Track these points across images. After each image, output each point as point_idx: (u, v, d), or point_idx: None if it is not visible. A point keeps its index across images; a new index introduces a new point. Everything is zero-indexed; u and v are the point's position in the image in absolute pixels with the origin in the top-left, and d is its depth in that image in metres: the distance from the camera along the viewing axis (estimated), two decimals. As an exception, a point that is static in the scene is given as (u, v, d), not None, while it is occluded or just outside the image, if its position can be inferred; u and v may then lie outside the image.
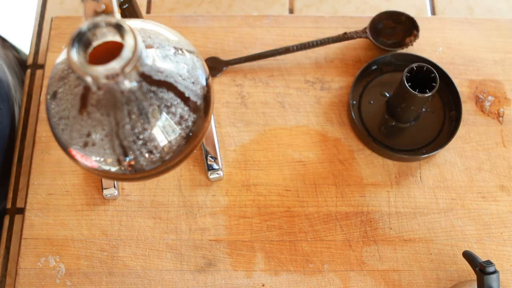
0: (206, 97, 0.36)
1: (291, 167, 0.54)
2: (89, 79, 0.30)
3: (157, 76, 0.33)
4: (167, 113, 0.34)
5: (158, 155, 0.34)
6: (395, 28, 0.59)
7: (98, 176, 0.44)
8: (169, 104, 0.34)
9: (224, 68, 0.58)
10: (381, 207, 0.53)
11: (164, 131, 0.34)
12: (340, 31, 0.59)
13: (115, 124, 0.32)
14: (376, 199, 0.53)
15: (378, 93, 0.57)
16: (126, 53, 0.29)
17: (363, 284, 0.50)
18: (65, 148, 0.35)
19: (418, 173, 0.54)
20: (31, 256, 0.51)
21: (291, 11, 0.66)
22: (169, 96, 0.34)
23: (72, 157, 0.35)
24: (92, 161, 0.34)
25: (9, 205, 0.56)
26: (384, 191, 0.53)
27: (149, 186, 0.54)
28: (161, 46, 0.34)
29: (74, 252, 0.51)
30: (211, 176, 0.52)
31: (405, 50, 0.58)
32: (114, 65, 0.29)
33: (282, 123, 0.56)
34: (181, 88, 0.34)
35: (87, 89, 0.32)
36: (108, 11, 0.31)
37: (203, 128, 0.36)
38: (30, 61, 0.63)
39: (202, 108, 0.36)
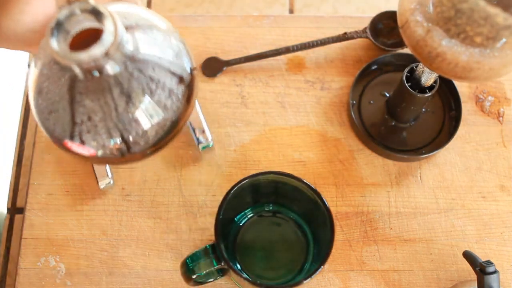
0: (190, 70, 0.36)
1: (291, 167, 0.54)
2: (75, 68, 0.30)
3: (141, 57, 0.33)
4: (157, 89, 0.34)
5: (153, 132, 0.34)
6: (395, 28, 0.59)
7: (97, 164, 0.44)
8: (157, 81, 0.34)
9: (224, 68, 0.58)
10: (381, 207, 0.53)
11: (156, 108, 0.34)
12: (340, 31, 0.59)
13: (106, 108, 0.33)
14: (376, 199, 0.53)
15: (378, 93, 0.57)
16: (107, 37, 0.29)
17: (363, 284, 0.50)
18: (59, 142, 0.35)
19: (418, 173, 0.54)
20: (31, 256, 0.51)
21: (291, 11, 0.66)
22: (156, 74, 0.34)
23: (68, 149, 0.35)
24: (90, 149, 0.34)
25: (9, 205, 0.56)
26: (384, 191, 0.53)
27: (149, 186, 0.54)
28: (141, 28, 0.34)
29: (74, 252, 0.51)
30: (201, 148, 0.52)
31: (405, 50, 0.58)
32: (96, 51, 0.29)
33: (282, 123, 0.56)
34: (165, 64, 0.34)
35: (73, 78, 0.32)
36: None
37: (190, 103, 0.37)
38: (30, 61, 0.63)
39: (188, 80, 0.36)
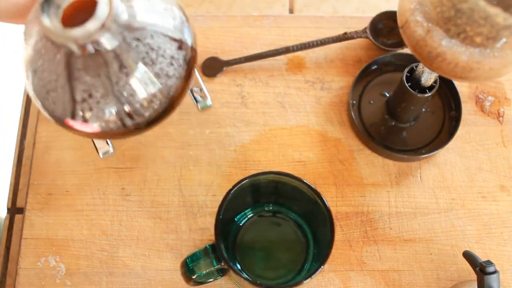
0: (191, 36, 0.36)
1: (291, 167, 0.54)
2: (70, 45, 0.29)
3: (138, 25, 0.32)
4: (158, 58, 0.33)
5: (157, 101, 0.34)
6: (395, 28, 0.59)
7: (100, 139, 0.43)
8: (158, 48, 0.32)
9: (224, 68, 0.58)
10: (381, 207, 0.53)
11: (158, 76, 0.33)
12: (340, 31, 0.59)
13: (108, 83, 0.31)
14: (376, 199, 0.53)
15: (378, 93, 0.57)
16: (102, 9, 0.28)
17: (363, 284, 0.50)
18: (61, 121, 0.34)
19: (418, 173, 0.54)
20: (31, 256, 0.51)
21: (291, 11, 0.66)
22: (155, 41, 0.32)
23: (70, 128, 0.34)
24: (93, 126, 0.33)
25: (9, 205, 0.56)
26: (384, 191, 0.53)
27: (149, 186, 0.54)
28: None
29: (74, 252, 0.51)
30: (200, 107, 0.50)
31: (405, 50, 0.58)
32: (91, 26, 0.28)
33: (282, 123, 0.56)
34: (165, 31, 0.33)
35: (69, 54, 0.30)
36: None
37: (193, 67, 0.36)
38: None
39: (189, 45, 0.35)
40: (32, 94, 0.35)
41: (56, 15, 0.29)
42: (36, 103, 0.35)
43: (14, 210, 0.56)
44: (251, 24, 0.61)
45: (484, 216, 0.53)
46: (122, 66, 0.31)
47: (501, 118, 0.57)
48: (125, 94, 0.32)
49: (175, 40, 0.34)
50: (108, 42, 0.30)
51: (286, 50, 0.57)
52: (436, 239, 0.52)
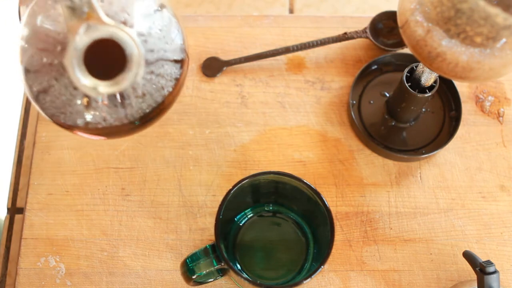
0: (186, 45, 0.36)
1: (291, 167, 0.54)
2: (94, 94, 0.29)
3: (153, 59, 0.33)
4: (166, 82, 0.34)
5: (159, 97, 0.34)
6: (395, 28, 0.59)
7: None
8: (166, 76, 0.33)
9: (224, 68, 0.58)
10: (381, 207, 0.53)
11: (157, 91, 0.34)
12: (340, 31, 0.59)
13: (116, 106, 0.33)
14: (376, 199, 0.53)
15: (378, 93, 0.57)
16: (134, 68, 0.28)
17: (363, 284, 0.50)
18: (69, 128, 0.35)
19: (418, 173, 0.54)
20: (31, 256, 0.51)
21: (291, 11, 0.66)
22: (164, 70, 0.34)
23: (76, 132, 0.35)
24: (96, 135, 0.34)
25: (9, 205, 0.56)
26: (384, 191, 0.53)
27: (149, 186, 0.54)
28: (148, 17, 0.33)
29: (74, 252, 0.51)
30: None
31: (405, 50, 0.58)
32: (125, 84, 0.28)
33: (282, 123, 0.56)
34: (170, 56, 0.34)
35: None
36: (92, 18, 0.29)
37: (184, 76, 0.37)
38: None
39: (187, 57, 0.36)
40: (39, 110, 0.35)
41: (79, 60, 0.29)
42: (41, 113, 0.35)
43: (14, 210, 0.56)
44: (251, 24, 0.61)
45: (484, 216, 0.53)
46: (135, 95, 0.33)
47: (501, 118, 0.57)
48: (128, 108, 0.34)
49: (178, 61, 0.35)
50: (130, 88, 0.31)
51: (286, 50, 0.57)
52: (436, 239, 0.52)
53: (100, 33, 0.28)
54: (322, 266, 0.41)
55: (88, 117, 0.34)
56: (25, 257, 0.51)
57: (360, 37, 0.58)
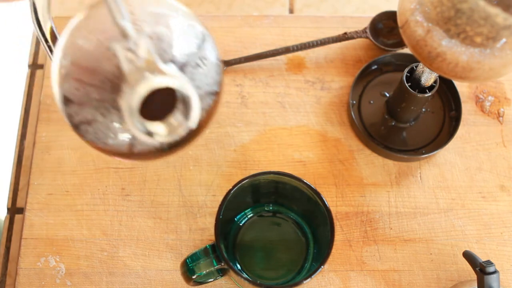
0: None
1: (291, 167, 0.54)
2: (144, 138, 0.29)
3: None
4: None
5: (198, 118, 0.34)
6: (395, 28, 0.59)
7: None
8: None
9: (224, 68, 0.58)
10: (381, 207, 0.53)
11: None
12: (340, 31, 0.59)
13: None
14: (376, 199, 0.53)
15: (378, 93, 0.57)
16: (193, 116, 0.29)
17: (363, 284, 0.50)
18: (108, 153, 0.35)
19: (418, 173, 0.54)
20: (31, 256, 0.51)
21: (291, 11, 0.66)
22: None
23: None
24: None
25: (9, 205, 0.56)
26: (384, 191, 0.53)
27: (149, 186, 0.54)
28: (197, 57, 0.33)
29: (74, 252, 0.51)
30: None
31: (405, 50, 0.58)
32: (183, 131, 0.29)
33: (282, 123, 0.56)
34: (213, 90, 0.35)
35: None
36: (150, 65, 0.28)
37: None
38: (30, 61, 0.63)
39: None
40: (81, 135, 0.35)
41: (137, 111, 0.28)
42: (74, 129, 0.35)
43: (14, 210, 0.56)
44: (251, 24, 0.61)
45: (484, 216, 0.53)
46: None
47: (501, 118, 0.57)
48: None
49: (215, 93, 0.35)
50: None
51: (286, 50, 0.57)
52: (436, 239, 0.52)
53: (158, 83, 0.27)
54: (322, 266, 0.41)
55: (128, 147, 0.34)
56: (25, 257, 0.51)
57: (360, 37, 0.58)
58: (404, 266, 0.51)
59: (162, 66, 0.28)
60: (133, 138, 0.32)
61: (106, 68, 0.31)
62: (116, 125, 0.32)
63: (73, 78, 0.32)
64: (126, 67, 0.28)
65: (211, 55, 0.35)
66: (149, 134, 0.29)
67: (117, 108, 0.31)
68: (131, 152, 0.34)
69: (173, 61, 0.32)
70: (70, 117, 0.34)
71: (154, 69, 0.28)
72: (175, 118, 0.30)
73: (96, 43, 0.32)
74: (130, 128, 0.29)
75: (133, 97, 0.27)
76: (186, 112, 0.29)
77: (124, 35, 0.28)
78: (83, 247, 0.51)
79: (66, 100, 0.33)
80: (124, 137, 0.33)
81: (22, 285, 0.50)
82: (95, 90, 0.32)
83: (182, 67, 0.32)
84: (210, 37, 0.36)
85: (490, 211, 0.53)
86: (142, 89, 0.27)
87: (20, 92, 0.62)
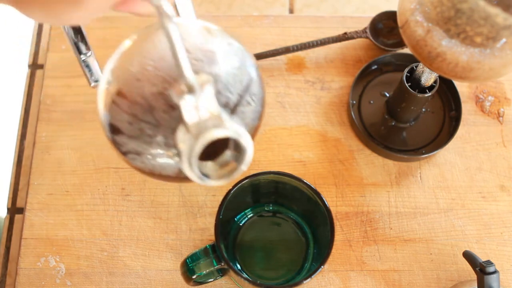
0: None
1: (291, 167, 0.54)
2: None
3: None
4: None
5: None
6: (395, 28, 0.59)
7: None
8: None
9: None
10: (381, 207, 0.53)
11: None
12: (340, 31, 0.59)
13: None
14: (376, 199, 0.53)
15: (378, 93, 0.57)
16: (247, 162, 0.29)
17: (363, 284, 0.50)
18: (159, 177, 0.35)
19: (418, 173, 0.54)
20: (31, 256, 0.51)
21: (291, 11, 0.66)
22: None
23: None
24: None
25: (9, 205, 0.56)
26: (384, 191, 0.53)
27: (149, 186, 0.54)
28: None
29: (74, 252, 0.51)
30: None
31: (405, 50, 0.58)
32: (236, 176, 0.30)
33: (282, 123, 0.56)
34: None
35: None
36: (215, 121, 0.28)
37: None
38: (30, 61, 0.63)
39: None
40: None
41: (197, 160, 0.29)
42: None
43: (14, 210, 0.56)
44: (251, 24, 0.61)
45: (484, 216, 0.53)
46: None
47: (501, 118, 0.57)
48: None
49: (259, 124, 0.35)
50: None
51: (286, 50, 0.57)
52: (436, 239, 0.52)
53: (221, 134, 0.28)
54: (322, 266, 0.41)
55: (175, 175, 0.34)
56: (25, 257, 0.51)
57: (360, 37, 0.58)
58: (404, 266, 0.51)
59: (225, 118, 0.28)
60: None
61: (164, 109, 0.30)
62: (169, 160, 0.32)
63: (126, 111, 0.31)
64: (189, 119, 0.27)
65: (259, 90, 0.35)
66: (202, 178, 0.29)
67: (170, 145, 0.31)
68: (178, 177, 0.34)
69: (228, 103, 0.31)
70: (117, 144, 0.33)
71: (218, 124, 0.28)
72: (230, 163, 0.30)
73: (154, 79, 0.31)
74: (185, 170, 0.29)
75: (194, 147, 0.27)
76: (240, 158, 0.30)
77: (189, 88, 0.27)
78: (83, 247, 0.51)
79: (115, 130, 0.32)
80: (175, 169, 0.33)
81: (22, 285, 0.50)
82: (149, 128, 0.31)
83: (235, 108, 0.32)
84: (258, 70, 0.36)
85: (490, 211, 0.53)
86: (204, 141, 0.27)
87: (20, 92, 0.62)
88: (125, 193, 0.53)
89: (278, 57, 0.59)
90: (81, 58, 0.38)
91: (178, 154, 0.30)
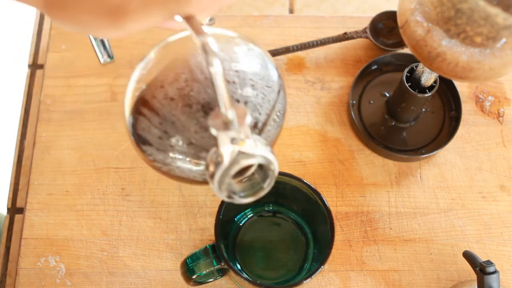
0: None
1: (291, 167, 0.54)
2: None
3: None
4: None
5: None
6: (395, 28, 0.59)
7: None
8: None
9: (224, 68, 0.58)
10: (381, 207, 0.53)
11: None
12: (340, 31, 0.59)
13: None
14: (376, 199, 0.53)
15: (378, 93, 0.57)
16: (272, 177, 0.30)
17: (363, 284, 0.50)
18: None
19: (418, 173, 0.54)
20: (31, 256, 0.51)
21: (291, 11, 0.66)
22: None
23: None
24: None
25: (9, 205, 0.56)
26: (384, 191, 0.53)
27: (149, 186, 0.54)
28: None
29: (74, 252, 0.51)
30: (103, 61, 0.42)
31: (405, 50, 0.58)
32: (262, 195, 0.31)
33: (282, 123, 0.56)
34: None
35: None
36: (244, 145, 0.28)
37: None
38: (30, 61, 0.63)
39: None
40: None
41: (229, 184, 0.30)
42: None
43: (14, 210, 0.56)
44: (251, 24, 0.61)
45: (484, 216, 0.53)
46: None
47: (501, 118, 0.57)
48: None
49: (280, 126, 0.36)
50: None
51: (286, 50, 0.57)
52: (436, 239, 0.52)
53: (252, 162, 0.28)
54: (322, 266, 0.41)
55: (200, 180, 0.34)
56: (25, 257, 0.51)
57: (360, 37, 0.58)
58: (404, 266, 0.51)
59: (256, 144, 0.28)
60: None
61: (196, 129, 0.31)
62: (194, 168, 0.33)
63: (157, 127, 0.31)
64: (224, 149, 0.28)
65: (284, 105, 0.35)
66: (230, 197, 0.30)
67: (198, 160, 0.32)
68: (198, 181, 0.34)
69: (256, 123, 0.32)
70: (144, 152, 0.33)
71: (251, 155, 0.28)
72: (256, 185, 0.31)
73: (188, 100, 0.31)
74: (214, 190, 0.29)
75: (226, 172, 0.28)
76: (265, 178, 0.30)
77: (228, 123, 0.27)
78: (83, 247, 0.51)
79: (144, 141, 0.32)
80: (197, 176, 0.33)
81: (22, 285, 0.50)
82: (180, 146, 0.31)
83: (262, 128, 0.32)
84: (283, 85, 0.35)
85: (490, 211, 0.53)
86: (237, 168, 0.28)
87: (20, 92, 0.62)
88: (125, 193, 0.53)
89: (278, 57, 0.59)
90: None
91: (207, 173, 0.30)
